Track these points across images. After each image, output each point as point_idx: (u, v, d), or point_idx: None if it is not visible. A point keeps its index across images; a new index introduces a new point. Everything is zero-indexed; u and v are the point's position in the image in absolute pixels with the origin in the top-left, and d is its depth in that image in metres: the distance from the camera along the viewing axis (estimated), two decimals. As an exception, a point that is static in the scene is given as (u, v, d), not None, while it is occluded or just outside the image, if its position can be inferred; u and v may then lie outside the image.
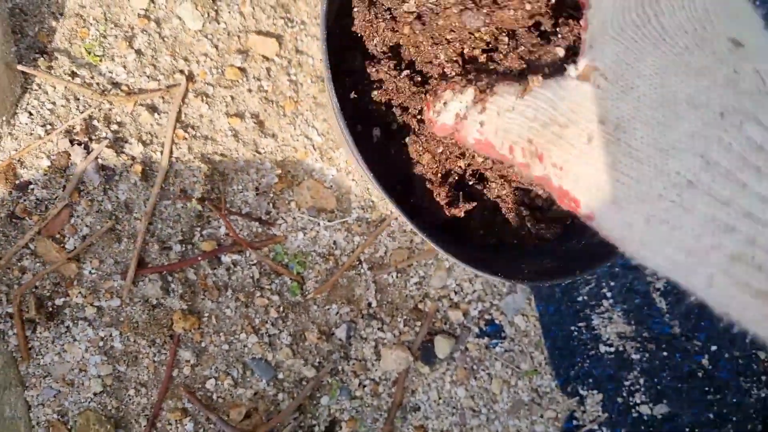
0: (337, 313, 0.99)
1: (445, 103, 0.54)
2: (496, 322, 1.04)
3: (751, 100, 0.38)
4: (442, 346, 1.01)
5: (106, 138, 0.89)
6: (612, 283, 1.06)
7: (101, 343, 0.90)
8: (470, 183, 0.78)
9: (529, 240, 0.82)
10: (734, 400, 1.07)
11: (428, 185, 0.76)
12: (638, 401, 1.06)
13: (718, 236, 0.37)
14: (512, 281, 0.74)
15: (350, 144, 0.67)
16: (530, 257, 0.81)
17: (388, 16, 0.71)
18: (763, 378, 1.09)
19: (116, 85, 0.90)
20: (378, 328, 1.00)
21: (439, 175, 0.77)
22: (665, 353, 1.06)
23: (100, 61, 0.89)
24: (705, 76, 0.40)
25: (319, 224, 0.98)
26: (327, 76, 0.67)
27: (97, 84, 0.89)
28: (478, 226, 0.81)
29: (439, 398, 1.02)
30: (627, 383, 1.06)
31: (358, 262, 0.99)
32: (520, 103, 0.46)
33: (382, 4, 0.71)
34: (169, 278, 0.91)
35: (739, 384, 1.07)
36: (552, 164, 0.44)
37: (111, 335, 0.90)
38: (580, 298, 1.06)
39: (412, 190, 0.77)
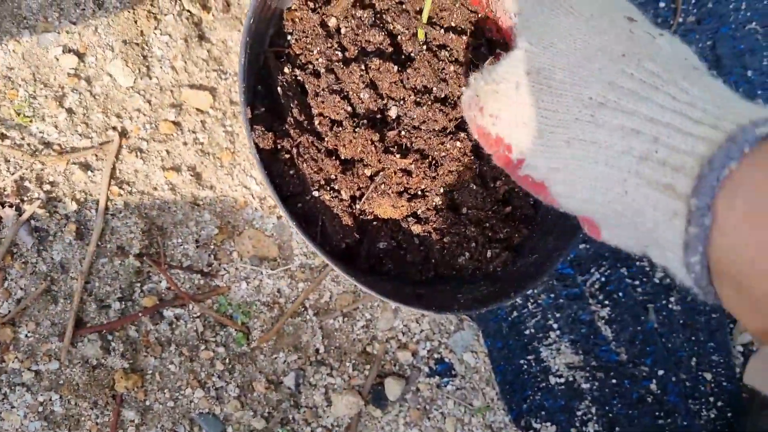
0: (285, 361, 0.98)
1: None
2: (446, 360, 1.04)
3: (646, 47, 0.47)
4: (392, 387, 1.01)
5: (38, 198, 0.88)
6: (557, 315, 1.07)
7: (41, 408, 0.88)
8: (418, 218, 0.80)
9: (466, 269, 0.83)
10: (684, 423, 1.08)
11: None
12: (591, 430, 1.07)
13: (627, 139, 0.43)
14: (446, 313, 0.75)
15: (275, 197, 0.68)
16: (467, 285, 0.82)
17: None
18: (711, 399, 1.10)
19: (48, 145, 0.89)
20: (327, 374, 0.99)
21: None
22: (614, 380, 1.07)
23: (31, 121, 0.89)
24: (608, 33, 0.49)
25: (262, 273, 0.98)
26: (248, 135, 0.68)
27: (28, 145, 0.88)
28: (417, 260, 0.82)
29: (393, 441, 1.01)
30: (579, 413, 1.07)
31: (303, 309, 0.99)
32: (477, 76, 0.55)
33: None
34: (109, 337, 0.90)
35: (688, 407, 1.09)
36: (489, 114, 0.52)
37: (51, 399, 0.88)
38: (527, 331, 1.07)
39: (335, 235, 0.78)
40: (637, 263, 1.10)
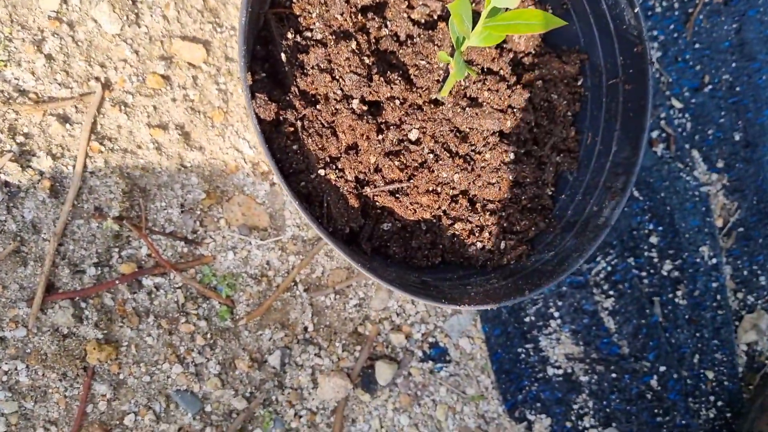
0: (271, 338, 0.92)
1: None
2: (441, 344, 0.99)
3: None
4: (383, 371, 0.95)
5: (10, 151, 0.80)
6: (560, 303, 1.02)
7: (5, 378, 0.81)
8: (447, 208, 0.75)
9: (477, 259, 0.77)
10: (683, 422, 1.04)
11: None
12: (587, 425, 1.02)
13: None
14: (458, 306, 0.69)
15: (276, 173, 0.62)
16: (477, 276, 0.77)
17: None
18: (711, 398, 1.06)
19: (23, 92, 0.82)
20: (315, 354, 0.93)
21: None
22: (614, 375, 1.02)
23: (5, 66, 0.81)
24: None
25: (250, 243, 0.91)
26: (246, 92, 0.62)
27: (1, 92, 0.81)
28: (424, 245, 0.76)
29: (381, 427, 0.96)
30: (576, 407, 1.02)
31: (293, 284, 0.93)
32: None
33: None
34: (83, 304, 0.83)
35: (688, 405, 1.04)
36: None
37: (16, 369, 0.81)
38: (527, 319, 1.01)
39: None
40: (646, 254, 1.04)
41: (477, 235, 0.76)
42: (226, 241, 0.90)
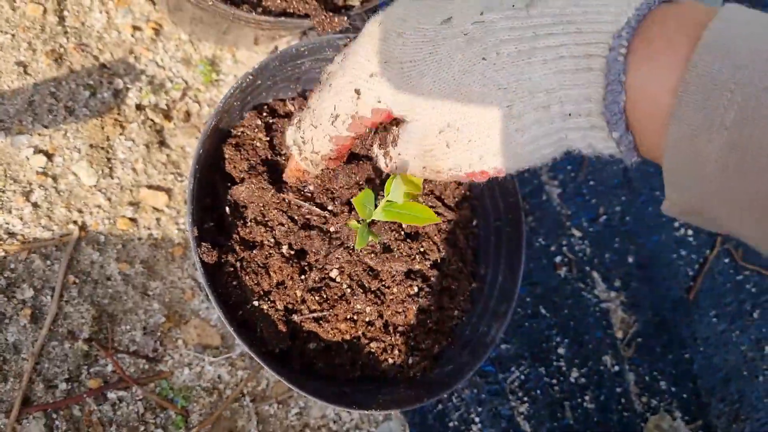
0: (220, 444, 1.04)
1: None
2: (373, 448, 1.12)
3: (489, 36, 0.50)
4: (321, 473, 1.07)
5: (-2, 285, 0.96)
6: (479, 409, 1.15)
7: (-18, 483, 0.93)
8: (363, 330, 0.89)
9: (389, 373, 0.91)
10: None
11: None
12: None
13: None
14: (364, 410, 0.83)
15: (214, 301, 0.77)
16: (389, 386, 0.91)
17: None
18: (622, 495, 1.18)
19: (12, 235, 0.98)
20: (260, 458, 1.06)
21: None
22: (531, 474, 1.15)
23: (-2, 213, 0.98)
24: (454, 57, 0.52)
25: (204, 360, 1.05)
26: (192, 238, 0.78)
27: (-6, 234, 0.97)
28: (345, 362, 0.90)
29: None
30: (497, 504, 1.14)
31: (241, 395, 1.06)
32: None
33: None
34: (54, 415, 0.96)
35: (601, 502, 1.16)
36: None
37: (-8, 474, 0.93)
38: (451, 424, 1.15)
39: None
40: (555, 363, 1.19)
41: (389, 352, 0.90)
42: (183, 359, 1.04)
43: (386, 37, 0.55)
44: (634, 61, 0.44)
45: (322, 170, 0.71)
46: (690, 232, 1.25)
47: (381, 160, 0.65)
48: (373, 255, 0.86)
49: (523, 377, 1.17)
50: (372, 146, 0.66)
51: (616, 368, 1.21)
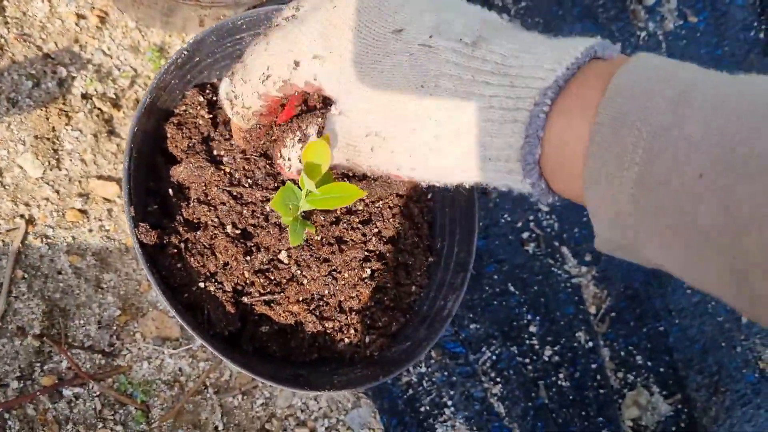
0: (183, 439, 1.02)
1: (290, 161, 0.68)
2: (344, 437, 1.09)
3: (432, 63, 0.53)
4: (290, 464, 1.05)
5: (-57, 282, 0.93)
6: (452, 392, 1.13)
7: (-67, 487, 0.90)
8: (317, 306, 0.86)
9: (346, 353, 0.89)
10: (576, 498, 1.13)
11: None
12: (485, 506, 1.11)
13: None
14: (319, 391, 0.80)
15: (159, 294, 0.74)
16: (345, 367, 0.88)
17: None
18: (602, 473, 1.15)
19: (-44, 231, 0.95)
20: (226, 452, 1.03)
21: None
22: (508, 456, 1.12)
23: (-58, 209, 0.95)
24: (395, 71, 0.55)
25: (164, 352, 1.02)
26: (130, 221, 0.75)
27: (-62, 231, 0.94)
28: (300, 344, 0.88)
29: None
30: (474, 489, 1.11)
31: (203, 387, 1.04)
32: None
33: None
34: (6, 415, 0.94)
35: (580, 481, 1.14)
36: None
37: (-57, 478, 0.91)
38: (422, 408, 1.12)
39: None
40: (527, 342, 1.16)
41: (345, 332, 0.88)
42: (142, 352, 1.02)
43: (337, 24, 0.57)
44: (553, 115, 0.47)
45: (255, 126, 0.70)
46: (659, 202, 1.23)
47: (286, 161, 0.68)
48: (327, 247, 0.84)
49: (494, 357, 1.15)
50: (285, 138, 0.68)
51: (590, 344, 1.18)
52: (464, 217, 0.90)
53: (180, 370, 1.03)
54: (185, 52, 0.80)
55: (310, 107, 0.67)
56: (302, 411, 1.08)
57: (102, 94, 1.04)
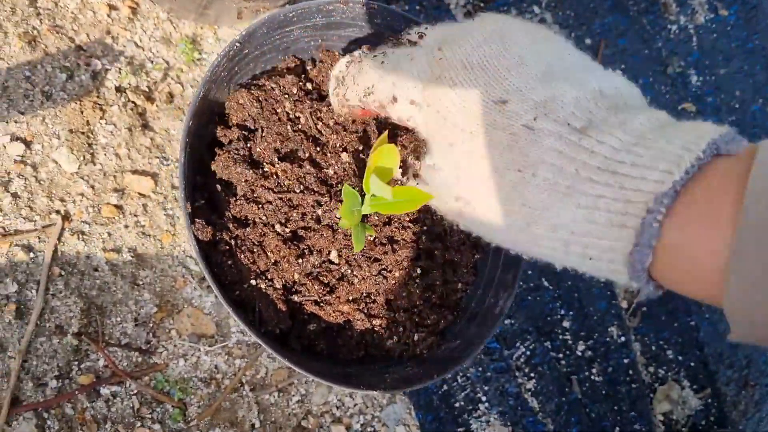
0: (221, 437, 1.00)
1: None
2: (379, 433, 1.08)
3: (534, 148, 0.48)
4: (327, 461, 1.04)
5: (-20, 280, 0.91)
6: (486, 388, 1.12)
7: (-28, 489, 0.89)
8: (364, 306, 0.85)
9: (394, 351, 0.88)
10: (609, 492, 1.13)
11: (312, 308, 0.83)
12: (520, 501, 1.10)
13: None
14: (374, 391, 0.79)
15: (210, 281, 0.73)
16: (395, 366, 0.87)
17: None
18: (635, 468, 1.15)
19: (-9, 227, 0.93)
20: (262, 449, 1.02)
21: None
22: (542, 451, 1.12)
23: (-24, 205, 0.93)
24: (494, 147, 0.50)
25: (199, 350, 1.01)
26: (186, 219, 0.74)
27: (-28, 228, 0.92)
28: (348, 342, 0.87)
29: None
30: (509, 484, 1.11)
31: (239, 384, 1.02)
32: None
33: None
34: (45, 415, 0.92)
35: (613, 476, 1.14)
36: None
37: (-17, 479, 0.89)
38: (457, 404, 1.11)
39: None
40: (560, 337, 1.16)
41: (393, 330, 0.87)
42: (178, 350, 1.00)
43: (441, 76, 0.54)
44: (673, 224, 0.43)
45: (348, 114, 0.72)
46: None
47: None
48: (379, 247, 0.83)
49: (528, 353, 1.14)
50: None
51: (622, 339, 1.18)
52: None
53: (216, 367, 1.02)
54: (237, 44, 0.78)
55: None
56: (338, 408, 1.07)
57: (135, 87, 1.02)
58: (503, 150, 0.49)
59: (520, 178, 0.48)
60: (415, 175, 0.62)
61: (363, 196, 0.73)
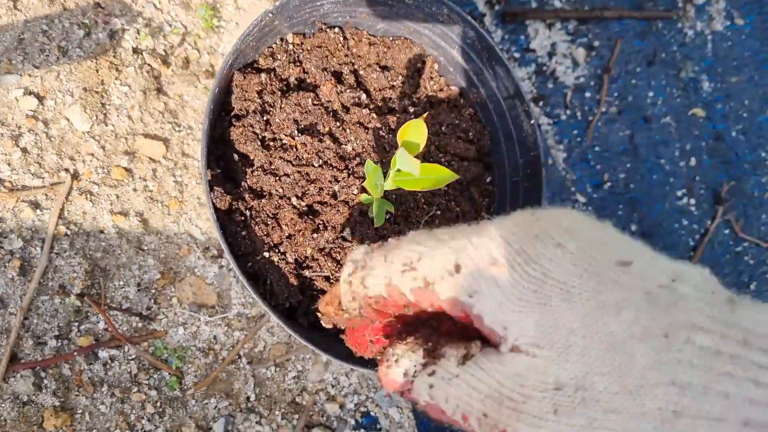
0: (216, 407, 1.00)
1: (396, 360, 0.49)
2: (372, 414, 1.08)
3: (679, 311, 0.39)
4: (319, 438, 1.04)
5: (-16, 233, 0.89)
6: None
7: (-35, 443, 0.88)
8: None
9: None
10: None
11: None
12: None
13: None
14: (372, 369, 0.80)
15: (227, 254, 0.72)
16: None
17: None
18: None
19: (-1, 181, 0.92)
20: (256, 422, 1.02)
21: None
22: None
23: (-16, 158, 0.91)
24: (625, 308, 0.39)
25: (199, 319, 1.00)
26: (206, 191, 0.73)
27: (-21, 180, 0.91)
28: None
29: (315, 491, 1.04)
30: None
31: (237, 357, 1.02)
32: (466, 370, 0.43)
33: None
34: (42, 374, 0.91)
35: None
36: None
37: (-24, 434, 0.88)
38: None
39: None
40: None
41: None
42: (178, 318, 1.00)
43: (538, 237, 0.42)
44: None
45: (356, 316, 0.52)
46: (692, 201, 1.24)
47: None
48: (393, 226, 0.83)
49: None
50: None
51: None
52: (527, 205, 0.89)
53: (215, 338, 1.01)
54: (270, 14, 0.78)
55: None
56: (333, 386, 1.07)
57: (152, 49, 1.01)
58: (641, 314, 0.40)
59: (668, 346, 0.39)
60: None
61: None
